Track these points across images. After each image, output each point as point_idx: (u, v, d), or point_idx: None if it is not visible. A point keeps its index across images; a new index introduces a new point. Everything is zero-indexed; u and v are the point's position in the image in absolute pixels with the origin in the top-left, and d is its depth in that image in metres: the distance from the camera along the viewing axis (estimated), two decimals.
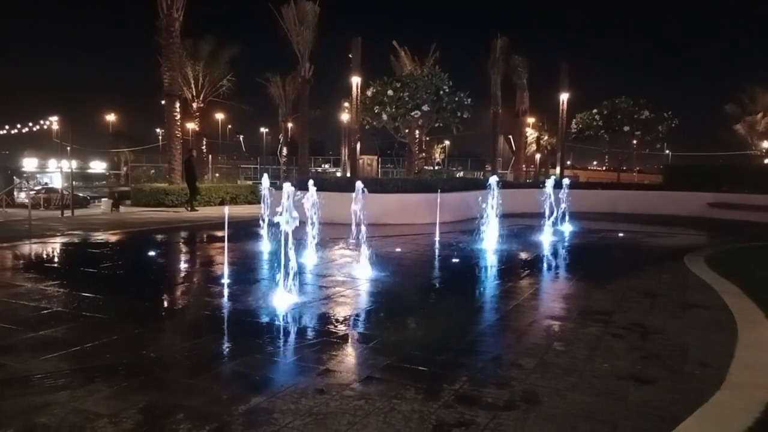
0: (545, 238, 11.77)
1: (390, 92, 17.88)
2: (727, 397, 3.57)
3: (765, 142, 42.08)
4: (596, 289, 6.98)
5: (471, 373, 3.93)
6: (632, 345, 4.66)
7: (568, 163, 42.37)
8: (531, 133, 41.85)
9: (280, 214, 5.80)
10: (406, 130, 20.32)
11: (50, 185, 27.41)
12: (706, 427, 3.21)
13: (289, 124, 38.51)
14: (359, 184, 8.56)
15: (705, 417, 3.28)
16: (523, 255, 10.21)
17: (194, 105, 27.96)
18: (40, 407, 3.26)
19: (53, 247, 10.41)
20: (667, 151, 43.66)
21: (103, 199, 20.36)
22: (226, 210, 6.56)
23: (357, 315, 5.63)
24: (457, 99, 18.56)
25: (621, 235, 13.59)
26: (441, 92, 18.20)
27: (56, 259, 9.36)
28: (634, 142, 23.28)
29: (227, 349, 4.52)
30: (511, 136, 41.46)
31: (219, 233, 13.00)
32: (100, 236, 11.78)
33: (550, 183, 12.29)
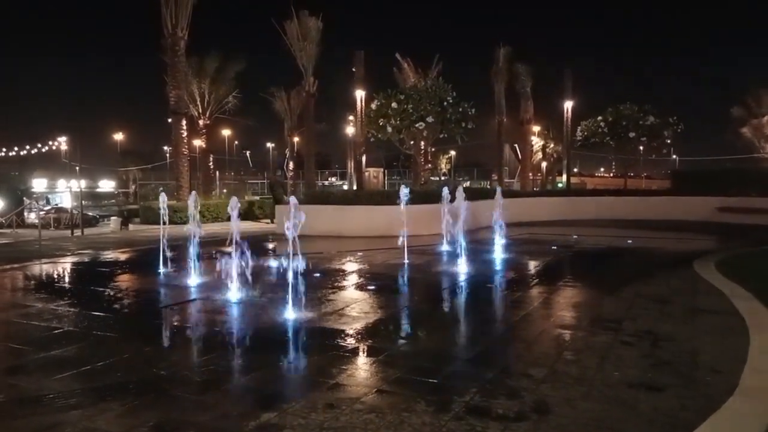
0: (553, 246, 11.74)
1: (394, 104, 17.95)
2: (740, 403, 3.53)
3: None
4: (606, 296, 6.95)
5: (481, 384, 3.92)
6: (643, 352, 4.63)
7: (575, 170, 42.34)
8: (536, 142, 41.80)
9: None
10: (411, 142, 20.40)
11: (60, 205, 27.64)
12: None
13: (295, 139, 38.75)
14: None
15: (717, 424, 3.26)
16: (532, 263, 10.19)
17: (200, 122, 28.21)
18: (52, 427, 3.28)
19: (63, 266, 10.49)
20: (674, 156, 43.53)
21: (112, 218, 20.55)
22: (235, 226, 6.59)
23: (366, 327, 5.61)
24: (461, 109, 18.62)
25: (629, 241, 13.52)
26: (445, 103, 18.27)
27: (67, 279, 9.43)
28: (641, 148, 23.21)
29: (237, 365, 4.53)
30: (516, 145, 41.50)
31: (229, 249, 13.03)
32: (109, 255, 11.86)
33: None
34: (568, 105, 25.26)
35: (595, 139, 23.30)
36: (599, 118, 23.14)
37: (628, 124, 22.22)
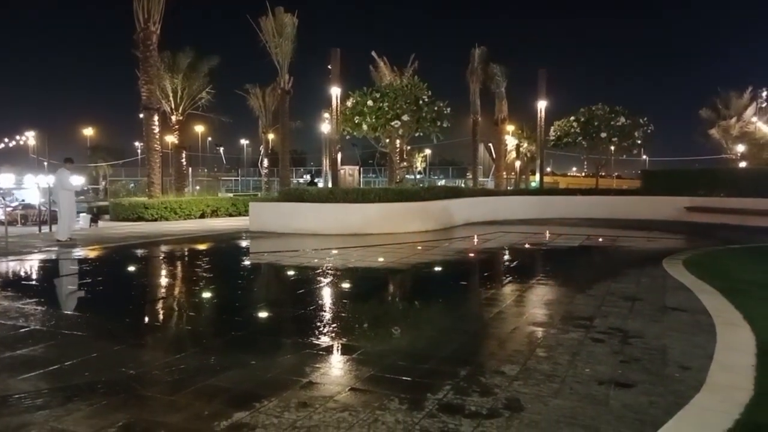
0: (527, 244, 11.85)
1: (370, 102, 17.90)
2: (707, 399, 3.61)
3: (739, 146, 42.96)
4: (577, 294, 7.03)
5: (454, 381, 3.94)
6: (613, 349, 4.70)
7: (548, 169, 42.81)
8: (511, 141, 42.18)
9: None
10: (387, 140, 20.37)
11: (27, 201, 27.05)
12: (686, 429, 3.25)
13: (270, 136, 38.44)
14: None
15: (685, 420, 3.32)
16: (505, 261, 10.27)
17: (173, 118, 27.77)
18: (18, 428, 3.19)
19: (30, 264, 10.24)
20: (645, 157, 44.30)
21: (81, 214, 20.08)
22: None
23: (339, 325, 5.60)
24: (436, 108, 18.65)
25: (600, 240, 13.73)
26: (420, 102, 18.28)
27: (34, 277, 9.21)
28: (612, 148, 23.54)
29: (208, 364, 4.46)
30: (491, 144, 41.76)
31: (200, 246, 12.90)
32: (78, 252, 11.62)
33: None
34: (542, 105, 25.51)
35: (568, 139, 23.56)
36: (572, 118, 23.40)
37: (600, 124, 22.52)
